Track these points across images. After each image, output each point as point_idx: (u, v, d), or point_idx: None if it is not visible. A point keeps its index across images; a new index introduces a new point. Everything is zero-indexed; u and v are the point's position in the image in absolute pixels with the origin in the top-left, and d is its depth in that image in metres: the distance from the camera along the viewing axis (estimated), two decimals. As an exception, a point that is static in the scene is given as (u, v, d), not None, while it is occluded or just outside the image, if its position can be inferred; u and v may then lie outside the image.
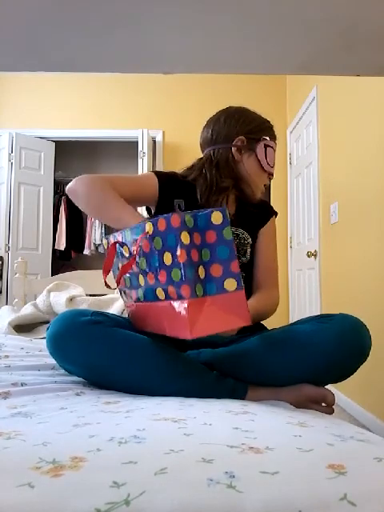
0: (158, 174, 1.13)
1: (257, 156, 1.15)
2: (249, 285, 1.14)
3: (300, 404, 0.84)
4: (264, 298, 1.11)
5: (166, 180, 1.12)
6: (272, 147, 1.17)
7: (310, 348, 0.83)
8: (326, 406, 0.88)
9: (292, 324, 0.99)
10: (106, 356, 0.83)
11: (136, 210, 0.97)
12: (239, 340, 0.96)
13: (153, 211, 1.15)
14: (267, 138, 1.16)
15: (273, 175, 1.20)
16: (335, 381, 0.90)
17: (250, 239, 1.15)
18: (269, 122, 1.21)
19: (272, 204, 1.36)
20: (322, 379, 0.89)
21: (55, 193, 4.36)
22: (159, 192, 1.10)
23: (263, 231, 1.20)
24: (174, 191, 1.11)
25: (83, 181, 0.98)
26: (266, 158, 1.16)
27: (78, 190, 0.98)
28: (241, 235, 1.13)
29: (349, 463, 0.43)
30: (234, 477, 0.40)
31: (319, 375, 0.87)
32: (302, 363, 0.84)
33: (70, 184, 1.00)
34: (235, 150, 1.14)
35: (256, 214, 1.20)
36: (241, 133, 1.15)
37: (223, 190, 1.13)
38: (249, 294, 1.12)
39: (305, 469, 0.42)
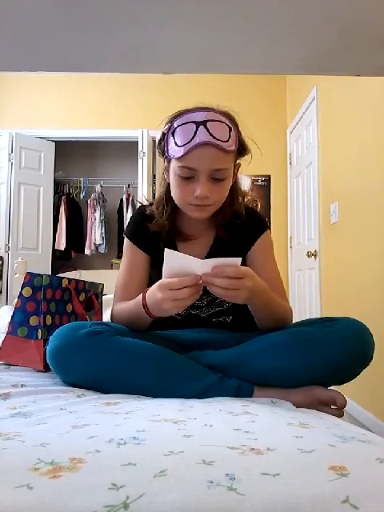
0: (128, 235, 1.08)
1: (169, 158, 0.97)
2: (242, 317, 1.05)
3: (309, 406, 0.83)
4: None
5: (140, 235, 1.06)
6: (180, 125, 0.95)
7: (315, 352, 0.83)
8: (335, 408, 0.88)
9: (294, 325, 0.99)
10: (109, 366, 0.82)
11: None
12: (242, 341, 0.95)
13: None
14: (173, 126, 0.95)
15: (186, 154, 0.89)
16: (338, 384, 0.91)
17: None
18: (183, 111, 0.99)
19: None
20: (325, 382, 0.89)
21: (55, 193, 4.36)
22: (141, 248, 1.05)
23: (255, 249, 1.05)
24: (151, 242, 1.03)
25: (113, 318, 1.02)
26: (174, 145, 0.93)
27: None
28: None
29: (350, 464, 0.43)
30: (234, 479, 0.39)
31: (323, 378, 0.87)
32: (307, 367, 0.84)
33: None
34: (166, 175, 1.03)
35: (240, 233, 1.04)
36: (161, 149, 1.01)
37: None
38: (247, 323, 1.03)
39: (306, 470, 0.42)
